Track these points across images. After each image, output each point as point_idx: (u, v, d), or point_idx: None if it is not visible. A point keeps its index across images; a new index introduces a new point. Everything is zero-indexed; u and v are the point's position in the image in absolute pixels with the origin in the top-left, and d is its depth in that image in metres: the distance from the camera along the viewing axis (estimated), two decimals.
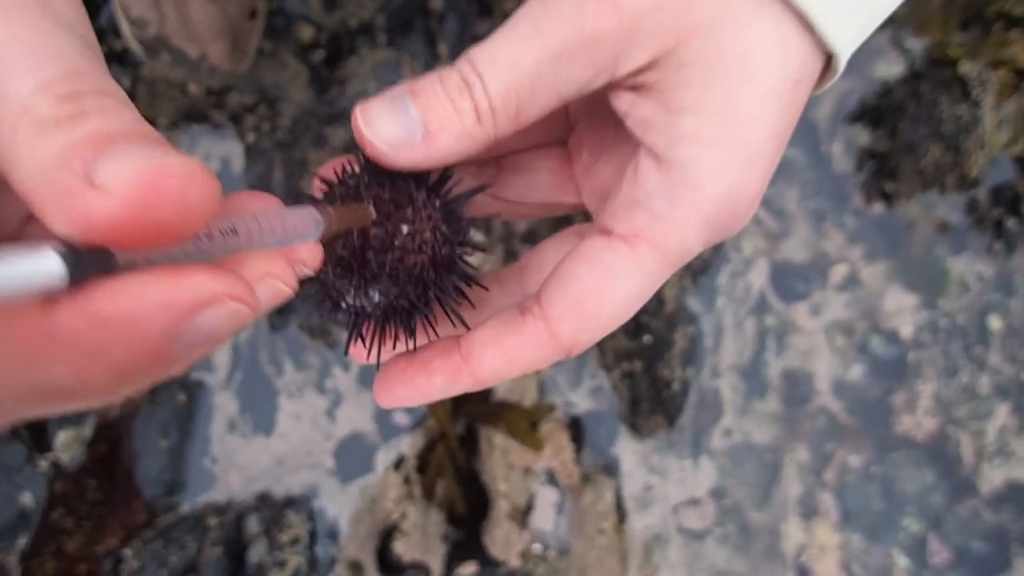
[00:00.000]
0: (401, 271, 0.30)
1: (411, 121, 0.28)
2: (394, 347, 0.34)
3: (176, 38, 0.90)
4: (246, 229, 0.25)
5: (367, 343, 0.33)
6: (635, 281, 0.29)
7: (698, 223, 0.28)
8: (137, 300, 0.19)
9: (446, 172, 0.32)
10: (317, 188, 0.33)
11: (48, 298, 0.18)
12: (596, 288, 0.29)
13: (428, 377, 0.31)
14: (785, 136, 0.29)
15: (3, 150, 0.20)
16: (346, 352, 0.34)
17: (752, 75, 0.27)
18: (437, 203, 0.31)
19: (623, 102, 0.30)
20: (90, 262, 0.19)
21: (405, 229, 0.30)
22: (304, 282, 0.33)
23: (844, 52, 0.29)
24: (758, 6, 0.27)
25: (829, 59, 0.30)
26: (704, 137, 0.28)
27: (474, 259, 0.34)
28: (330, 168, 0.33)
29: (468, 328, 0.33)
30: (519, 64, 0.27)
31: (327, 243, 0.29)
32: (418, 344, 0.33)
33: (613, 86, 0.29)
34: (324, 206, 0.29)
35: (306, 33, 1.03)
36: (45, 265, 0.18)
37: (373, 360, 0.34)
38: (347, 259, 0.30)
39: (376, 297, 0.31)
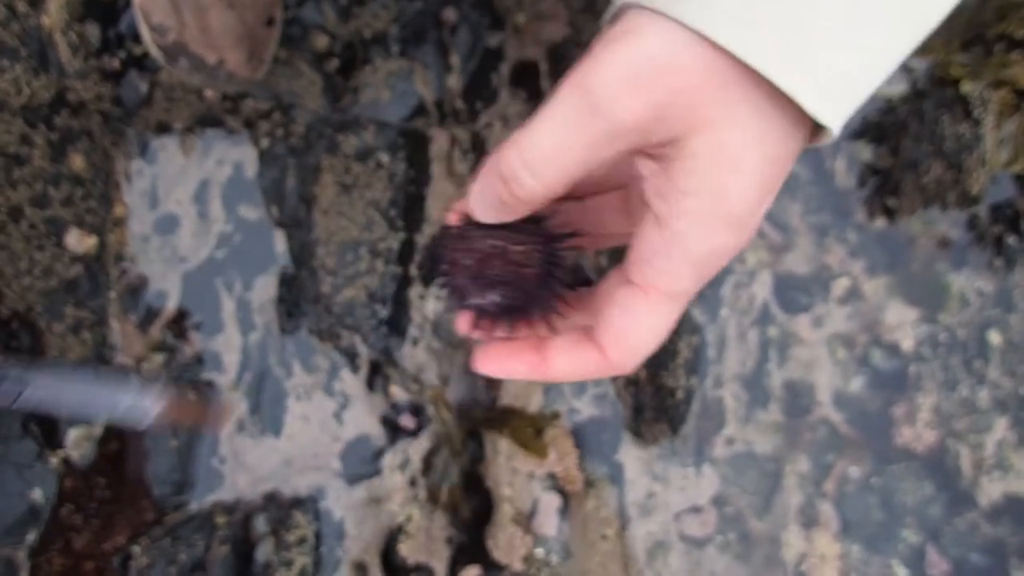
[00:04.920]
0: (515, 280, 0.41)
1: (495, 196, 0.38)
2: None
3: (195, 45, 0.92)
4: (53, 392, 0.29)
5: (483, 330, 0.44)
6: (653, 320, 0.39)
7: (690, 273, 0.37)
8: None
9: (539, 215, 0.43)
10: (454, 219, 0.43)
11: None
12: (627, 327, 0.39)
13: (516, 362, 0.42)
14: (765, 202, 0.37)
15: None
16: (454, 317, 0.42)
17: (740, 166, 0.35)
18: (540, 236, 0.42)
19: (645, 168, 0.38)
20: None
21: (519, 250, 0.40)
22: (440, 285, 0.43)
23: (835, 124, 0.35)
24: (751, 106, 0.34)
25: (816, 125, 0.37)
26: (700, 215, 0.36)
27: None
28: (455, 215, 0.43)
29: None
30: (561, 156, 0.35)
31: (457, 255, 0.41)
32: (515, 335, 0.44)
33: (637, 152, 0.37)
34: (165, 401, 0.35)
35: (321, 42, 1.05)
36: None
37: (478, 336, 0.45)
38: (472, 267, 0.41)
39: (497, 298, 0.42)
